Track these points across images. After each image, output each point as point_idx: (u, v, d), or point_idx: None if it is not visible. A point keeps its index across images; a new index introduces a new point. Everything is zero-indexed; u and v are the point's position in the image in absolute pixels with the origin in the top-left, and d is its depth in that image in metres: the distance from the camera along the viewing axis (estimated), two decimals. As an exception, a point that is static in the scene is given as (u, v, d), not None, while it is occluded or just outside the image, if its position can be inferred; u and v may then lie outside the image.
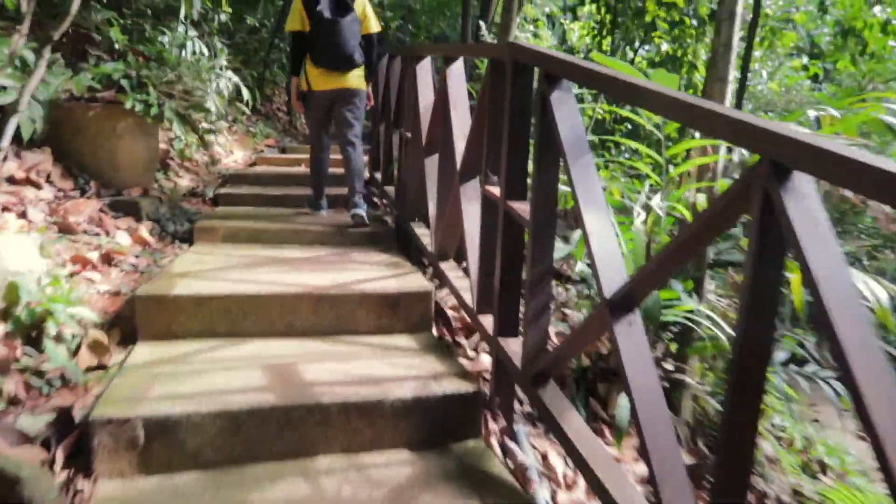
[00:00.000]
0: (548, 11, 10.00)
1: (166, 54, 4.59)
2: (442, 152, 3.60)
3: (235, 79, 7.51)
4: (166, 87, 4.26)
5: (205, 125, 7.16)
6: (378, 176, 5.89)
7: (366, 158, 7.66)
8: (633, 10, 6.33)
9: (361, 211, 4.38)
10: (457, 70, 3.50)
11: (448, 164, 3.44)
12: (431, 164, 3.85)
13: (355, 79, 4.43)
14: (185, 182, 5.52)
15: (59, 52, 4.72)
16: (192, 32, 7.10)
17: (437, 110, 3.72)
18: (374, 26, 4.46)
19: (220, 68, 7.34)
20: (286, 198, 5.37)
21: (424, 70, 4.21)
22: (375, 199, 5.84)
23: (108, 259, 3.41)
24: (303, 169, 6.95)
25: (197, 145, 6.37)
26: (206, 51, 7.34)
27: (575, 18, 10.38)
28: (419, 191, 4.01)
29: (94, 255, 3.35)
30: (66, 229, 3.43)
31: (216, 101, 7.18)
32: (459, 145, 3.22)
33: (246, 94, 7.36)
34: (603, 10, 6.71)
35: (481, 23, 9.51)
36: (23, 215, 3.41)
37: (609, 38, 6.47)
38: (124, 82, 4.01)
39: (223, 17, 6.90)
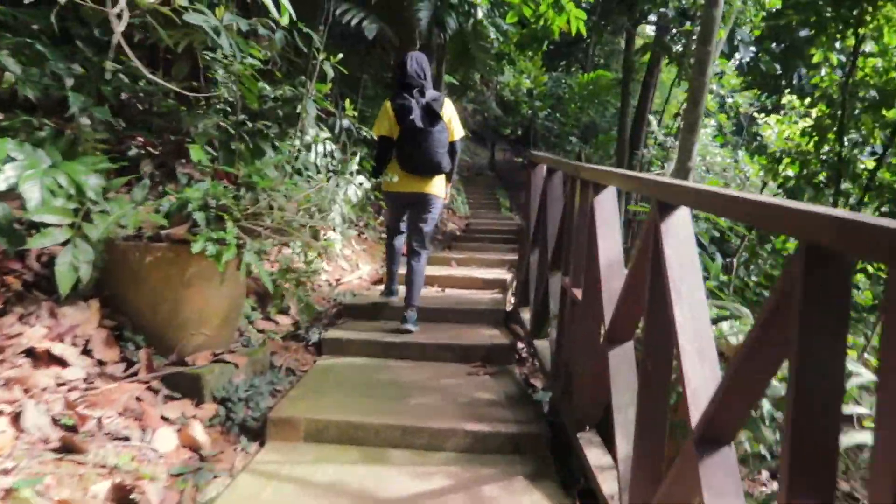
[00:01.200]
0: (729, 101, 8.41)
1: (257, 176, 3.52)
2: (648, 354, 2.08)
3: (367, 184, 6.54)
4: (252, 222, 3.16)
5: (332, 235, 6.19)
6: (525, 316, 4.48)
7: (508, 277, 6.35)
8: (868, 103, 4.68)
9: (412, 326, 4.36)
10: (681, 221, 2.04)
11: (659, 383, 1.95)
12: (620, 359, 2.37)
13: (435, 185, 4.43)
14: (286, 321, 4.41)
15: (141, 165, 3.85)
16: (325, 134, 6.24)
17: (636, 274, 2.25)
18: (458, 133, 4.42)
19: (351, 173, 6.41)
20: (409, 345, 4.10)
21: (607, 206, 2.79)
22: (520, 351, 4.42)
23: (121, 495, 2.20)
24: (435, 291, 5.69)
25: (307, 271, 5.35)
26: (336, 153, 6.46)
27: (769, 111, 8.78)
28: (595, 390, 2.54)
29: (100, 491, 2.16)
30: (70, 446, 2.29)
31: (343, 209, 6.22)
32: (696, 369, 1.71)
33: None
34: (822, 103, 5.11)
35: (651, 118, 8.03)
36: (16, 420, 2.31)
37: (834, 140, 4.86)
38: (198, 216, 2.95)
39: (345, 123, 5.97)
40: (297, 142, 4.66)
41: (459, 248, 9.28)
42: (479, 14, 7.91)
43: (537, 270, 4.25)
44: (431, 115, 4.24)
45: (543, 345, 3.80)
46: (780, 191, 5.37)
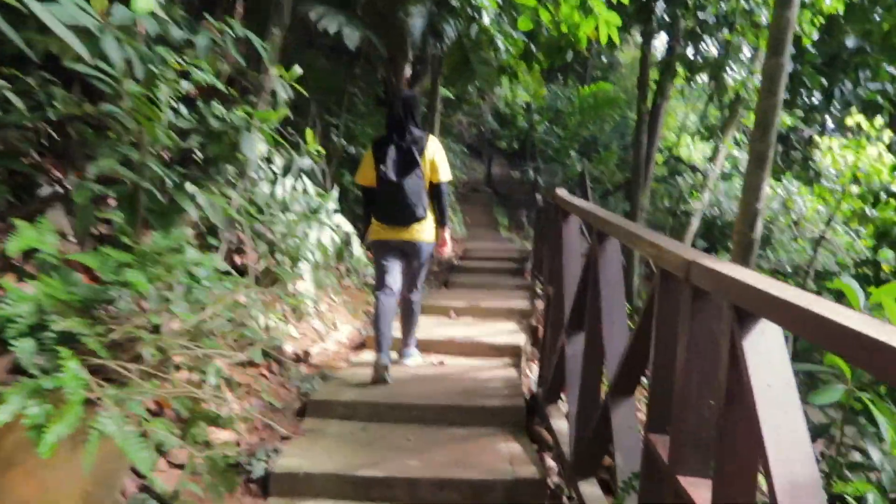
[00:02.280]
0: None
1: (151, 266, 2.21)
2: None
3: (348, 227, 5.25)
4: (122, 356, 1.87)
5: (302, 286, 4.90)
6: (561, 426, 3.20)
7: (521, 339, 5.07)
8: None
9: (410, 361, 4.37)
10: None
11: None
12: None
13: (418, 232, 4.08)
14: (225, 436, 3.11)
15: None
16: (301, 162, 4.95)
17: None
18: (444, 175, 4.10)
19: (327, 213, 5.12)
20: (395, 482, 2.80)
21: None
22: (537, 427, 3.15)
23: None
24: (433, 362, 4.40)
25: (270, 341, 4.06)
26: (311, 190, 5.18)
27: (820, 132, 7.56)
28: None
29: None
30: None
31: (317, 256, 4.92)
32: None
33: (357, 248, 5.04)
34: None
35: (687, 138, 6.80)
36: None
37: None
38: (22, 346, 1.66)
39: (305, 163, 4.69)
40: (239, 186, 3.35)
41: (458, 285, 7.99)
42: (486, 20, 6.64)
43: (551, 329, 3.01)
44: (409, 161, 3.95)
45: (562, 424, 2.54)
46: (876, 241, 4.15)
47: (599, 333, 2.62)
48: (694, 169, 7.71)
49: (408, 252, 4.10)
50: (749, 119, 6.76)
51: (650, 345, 2.04)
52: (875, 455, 1.71)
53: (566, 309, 3.24)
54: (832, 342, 1.14)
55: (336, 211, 5.17)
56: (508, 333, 5.16)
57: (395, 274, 4.10)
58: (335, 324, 5.12)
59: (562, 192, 4.42)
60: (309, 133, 4.46)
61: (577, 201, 3.47)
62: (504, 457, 3.03)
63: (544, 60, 15.90)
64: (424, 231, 4.06)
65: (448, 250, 4.33)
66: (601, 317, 2.58)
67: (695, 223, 7.06)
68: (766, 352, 1.41)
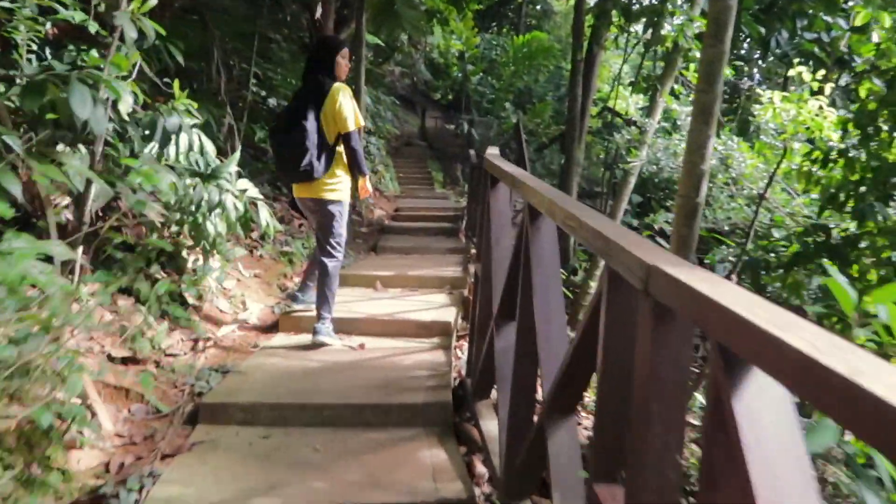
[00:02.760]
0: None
1: None
2: None
3: (254, 192, 4.62)
4: None
5: (206, 263, 4.28)
6: (490, 429, 2.78)
7: (452, 315, 4.63)
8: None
9: (321, 338, 3.89)
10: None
11: None
12: None
13: (316, 189, 3.80)
14: (92, 459, 2.55)
15: None
16: (189, 121, 4.27)
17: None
18: (348, 124, 3.70)
19: (229, 175, 4.47)
20: None
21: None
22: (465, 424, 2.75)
23: None
24: (353, 348, 3.91)
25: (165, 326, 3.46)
26: (210, 148, 4.50)
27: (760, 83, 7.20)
28: None
29: None
30: None
31: (219, 227, 4.29)
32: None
33: (265, 216, 4.44)
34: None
35: (624, 92, 6.42)
36: None
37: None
38: None
39: (172, 120, 3.99)
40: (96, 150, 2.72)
41: (388, 250, 7.47)
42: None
43: (479, 318, 2.56)
44: (297, 112, 3.72)
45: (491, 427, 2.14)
46: (823, 203, 3.85)
47: (533, 330, 2.18)
48: (630, 123, 7.32)
49: (313, 210, 3.91)
50: (688, 71, 6.39)
51: (594, 359, 1.61)
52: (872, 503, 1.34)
53: (495, 293, 2.79)
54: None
55: (240, 175, 4.53)
56: (438, 308, 4.70)
57: (316, 232, 4.03)
58: (244, 302, 4.54)
59: (492, 153, 3.92)
60: (176, 85, 3.77)
61: (507, 166, 2.97)
62: (426, 469, 2.60)
63: (474, 2, 15.16)
64: (324, 187, 3.78)
65: (369, 193, 4.05)
66: (534, 310, 2.13)
67: (632, 181, 6.75)
68: (768, 417, 0.98)
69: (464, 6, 14.01)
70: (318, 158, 3.71)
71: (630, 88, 16.52)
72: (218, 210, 4.12)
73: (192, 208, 4.00)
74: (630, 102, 16.74)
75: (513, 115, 20.08)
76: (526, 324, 2.23)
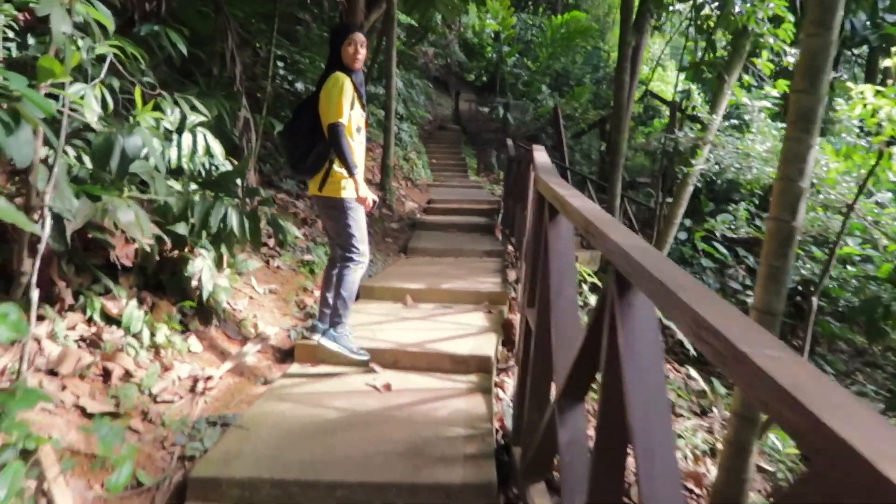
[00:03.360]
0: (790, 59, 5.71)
1: None
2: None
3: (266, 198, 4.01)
4: None
5: (208, 281, 3.70)
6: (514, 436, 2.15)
7: (492, 345, 3.99)
8: None
9: (324, 340, 3.46)
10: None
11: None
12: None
13: (324, 185, 3.43)
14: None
15: None
16: (193, 118, 3.69)
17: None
18: (328, 117, 3.30)
19: (237, 186, 3.86)
20: None
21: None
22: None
23: None
24: (377, 388, 3.27)
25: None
26: (218, 150, 3.90)
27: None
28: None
29: None
30: None
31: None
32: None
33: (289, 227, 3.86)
34: None
35: (693, 87, 5.69)
36: None
37: None
38: None
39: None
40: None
41: (419, 252, 6.85)
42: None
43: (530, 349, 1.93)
44: (309, 100, 3.48)
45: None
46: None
47: (624, 444, 1.53)
48: (695, 119, 6.47)
49: (321, 209, 3.58)
50: (759, 59, 5.55)
51: None
52: None
53: (558, 363, 2.13)
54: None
55: (260, 172, 3.92)
56: (476, 334, 4.06)
57: (331, 238, 3.64)
58: (256, 325, 3.96)
59: (544, 165, 3.24)
60: (137, 94, 3.13)
61: (571, 194, 2.27)
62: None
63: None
64: (323, 184, 3.43)
65: (369, 203, 3.44)
66: (630, 427, 1.47)
67: (692, 183, 5.97)
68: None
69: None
70: (310, 152, 3.42)
71: (663, 70, 15.47)
72: (219, 223, 3.53)
73: (194, 221, 3.41)
74: (670, 86, 15.69)
75: (549, 99, 19.21)
76: (613, 435, 1.57)
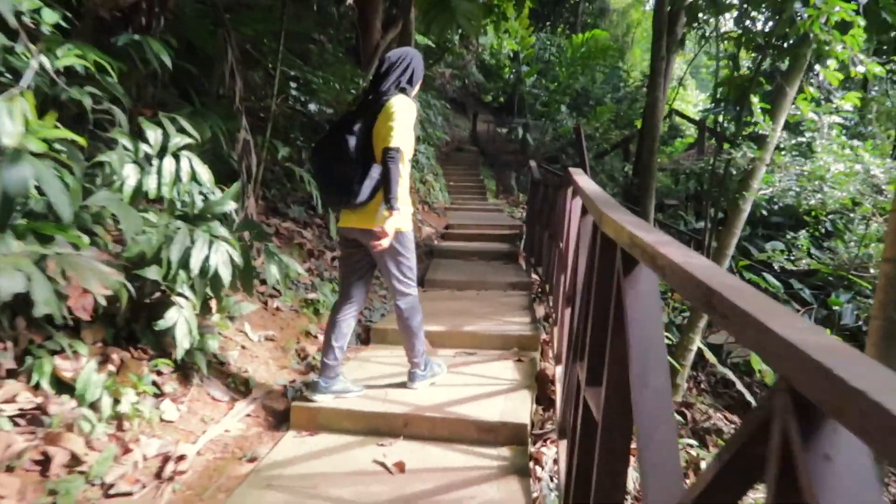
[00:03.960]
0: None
1: None
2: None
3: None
4: None
5: (181, 336, 3.08)
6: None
7: (526, 410, 3.29)
8: None
9: (417, 384, 3.31)
10: None
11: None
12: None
13: (363, 218, 3.00)
14: None
15: None
16: (177, 140, 3.13)
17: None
18: (394, 139, 2.86)
19: (223, 219, 3.26)
20: None
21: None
22: None
23: None
24: (387, 468, 2.60)
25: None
26: (206, 176, 3.31)
27: None
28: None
29: None
30: None
31: (199, 287, 3.08)
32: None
33: (274, 269, 3.25)
34: None
35: (753, 99, 5.01)
36: None
37: None
38: None
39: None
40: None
41: (437, 284, 6.21)
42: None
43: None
44: (344, 125, 2.97)
45: None
46: None
47: None
48: (754, 137, 5.76)
49: (364, 244, 3.09)
50: (827, 69, 4.87)
51: None
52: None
53: (642, 468, 1.46)
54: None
55: (264, 198, 3.34)
56: (505, 392, 3.39)
57: (350, 277, 3.20)
58: (247, 381, 3.33)
59: (598, 195, 2.60)
60: (19, 106, 2.49)
61: (665, 246, 1.61)
62: None
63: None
64: (373, 216, 2.99)
65: (385, 244, 2.94)
66: None
67: (747, 210, 5.28)
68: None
69: (522, 2, 12.69)
70: (362, 179, 2.97)
71: (683, 89, 14.83)
72: (201, 265, 2.92)
73: (172, 262, 2.81)
74: (689, 105, 15.00)
75: (568, 119, 18.61)
76: None
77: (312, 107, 9.51)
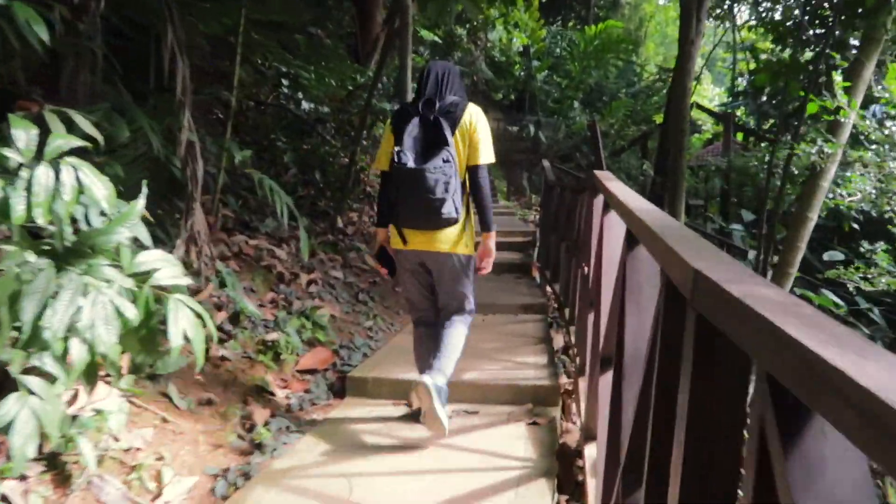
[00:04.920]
0: None
1: None
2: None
3: (170, 273, 2.46)
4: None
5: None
6: None
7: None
8: None
9: (429, 379, 2.65)
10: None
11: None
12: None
13: (446, 241, 2.78)
14: None
15: None
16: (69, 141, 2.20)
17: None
18: (486, 156, 2.78)
19: (118, 246, 2.32)
20: None
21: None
22: None
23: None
24: None
25: None
26: (100, 193, 2.38)
27: None
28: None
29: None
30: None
31: (95, 343, 2.14)
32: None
33: (186, 321, 2.28)
34: None
35: (837, 78, 3.95)
36: None
37: None
38: None
39: None
40: None
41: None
42: None
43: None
44: (435, 139, 2.69)
45: None
46: None
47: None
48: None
49: (433, 269, 2.89)
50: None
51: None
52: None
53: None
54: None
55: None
56: (517, 479, 2.42)
57: (424, 301, 3.01)
58: (159, 474, 2.38)
59: (633, 202, 1.65)
60: None
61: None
62: None
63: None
64: (456, 239, 2.80)
65: (489, 267, 2.96)
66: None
67: (813, 219, 4.26)
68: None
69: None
70: (451, 196, 2.71)
71: (698, 83, 13.77)
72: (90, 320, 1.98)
73: (24, 322, 1.88)
74: (704, 99, 13.91)
75: (581, 115, 17.53)
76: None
77: (305, 105, 8.58)
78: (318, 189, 6.38)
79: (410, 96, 8.11)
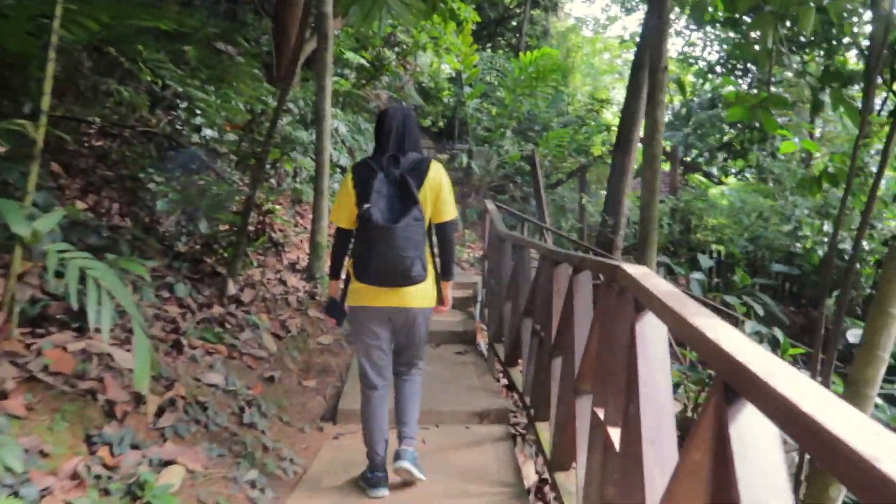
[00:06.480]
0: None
1: None
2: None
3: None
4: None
5: None
6: None
7: None
8: None
9: (407, 464, 2.74)
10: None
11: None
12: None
13: (415, 296, 2.75)
14: None
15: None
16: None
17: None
18: (450, 212, 2.82)
19: None
20: None
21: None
22: None
23: None
24: None
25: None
26: None
27: None
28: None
29: None
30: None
31: None
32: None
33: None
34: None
35: None
36: None
37: None
38: None
39: None
40: None
41: (353, 418, 3.76)
42: None
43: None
44: (405, 198, 2.69)
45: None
46: None
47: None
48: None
49: (399, 323, 2.81)
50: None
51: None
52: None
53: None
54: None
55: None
56: None
57: (384, 358, 2.85)
58: None
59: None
60: None
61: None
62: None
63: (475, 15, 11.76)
64: (424, 294, 2.78)
65: (447, 309, 2.95)
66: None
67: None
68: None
69: (462, 20, 10.57)
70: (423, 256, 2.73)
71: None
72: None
73: None
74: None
75: (513, 145, 16.53)
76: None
77: (209, 132, 6.93)
78: (204, 243, 4.79)
79: (329, 122, 6.69)
